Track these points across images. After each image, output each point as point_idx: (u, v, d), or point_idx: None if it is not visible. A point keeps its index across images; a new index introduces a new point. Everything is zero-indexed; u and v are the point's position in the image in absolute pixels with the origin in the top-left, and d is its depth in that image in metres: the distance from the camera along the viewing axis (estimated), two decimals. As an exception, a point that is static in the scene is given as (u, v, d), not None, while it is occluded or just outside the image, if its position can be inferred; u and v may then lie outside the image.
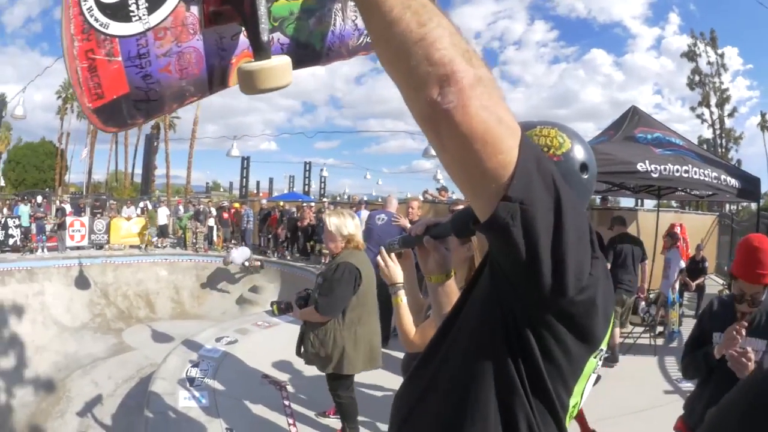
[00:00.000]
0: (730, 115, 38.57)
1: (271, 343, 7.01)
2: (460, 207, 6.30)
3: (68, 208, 15.77)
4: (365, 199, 19.92)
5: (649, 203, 12.34)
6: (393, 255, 2.27)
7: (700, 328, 2.79)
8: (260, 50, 1.27)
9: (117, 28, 1.25)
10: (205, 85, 1.47)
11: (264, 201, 22.04)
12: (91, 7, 1.23)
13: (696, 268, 9.46)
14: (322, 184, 36.28)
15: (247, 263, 14.93)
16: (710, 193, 8.80)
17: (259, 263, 15.09)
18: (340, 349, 3.95)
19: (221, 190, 48.61)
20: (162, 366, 5.75)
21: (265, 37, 1.31)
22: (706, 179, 7.39)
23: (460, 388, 0.98)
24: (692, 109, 40.16)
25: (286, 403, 5.00)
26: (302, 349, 4.11)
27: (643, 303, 7.77)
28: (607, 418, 4.54)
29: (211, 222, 17.52)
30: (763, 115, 38.63)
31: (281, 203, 18.44)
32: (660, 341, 7.40)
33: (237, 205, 19.84)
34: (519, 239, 0.79)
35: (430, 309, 2.59)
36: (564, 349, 0.92)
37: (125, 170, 45.28)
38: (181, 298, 15.24)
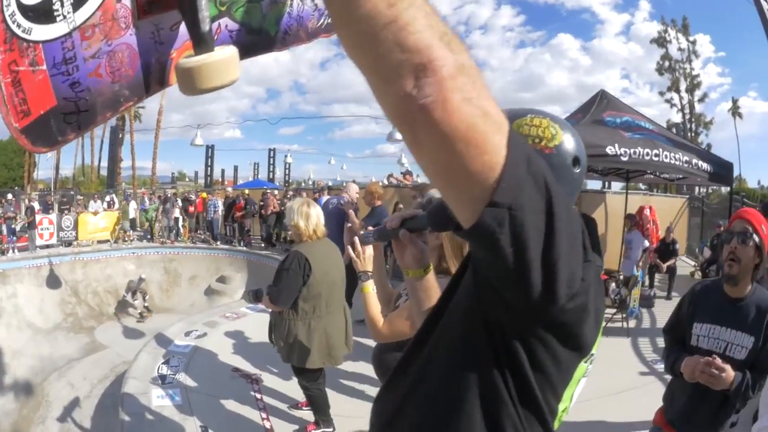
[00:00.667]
0: (701, 100, 39.57)
1: (240, 335, 6.95)
2: (428, 193, 6.27)
3: (36, 205, 15.32)
4: (329, 184, 19.99)
5: (617, 185, 12.46)
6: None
7: (678, 315, 2.65)
8: (201, 42, 1.15)
9: (40, 32, 1.14)
10: (142, 86, 1.33)
11: (230, 189, 21.70)
12: (13, 12, 1.11)
13: (667, 249, 9.64)
14: (287, 171, 35.89)
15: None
16: (680, 176, 8.93)
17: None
18: (295, 341, 3.89)
19: (186, 179, 47.89)
20: (133, 365, 5.65)
21: (205, 27, 1.17)
22: (677, 163, 7.49)
23: (442, 399, 0.93)
24: (661, 93, 41.05)
25: (258, 396, 4.94)
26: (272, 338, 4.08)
27: (613, 284, 7.83)
28: (584, 401, 4.52)
29: (177, 213, 17.21)
30: (734, 101, 39.54)
31: (245, 191, 18.12)
32: (633, 323, 7.48)
33: (204, 194, 19.52)
34: (506, 248, 0.71)
35: (398, 299, 2.54)
36: (554, 357, 0.87)
37: (92, 164, 44.49)
38: (150, 292, 14.96)
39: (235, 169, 40.13)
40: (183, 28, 1.28)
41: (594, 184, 15.48)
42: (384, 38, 0.61)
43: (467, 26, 60.70)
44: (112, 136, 37.43)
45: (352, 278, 3.44)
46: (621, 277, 8.25)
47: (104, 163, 41.23)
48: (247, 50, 1.39)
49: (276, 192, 17.95)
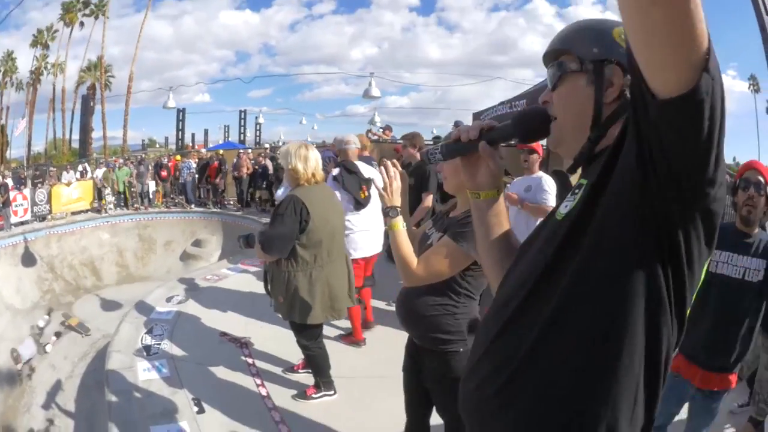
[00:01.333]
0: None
1: (223, 298, 6.68)
2: (410, 149, 5.98)
3: (10, 182, 14.64)
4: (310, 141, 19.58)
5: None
6: (397, 173, 2.07)
7: None
8: None
9: None
10: None
11: (203, 150, 21.36)
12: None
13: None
14: (258, 132, 35.15)
15: None
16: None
17: None
18: (295, 294, 3.59)
19: (157, 146, 46.85)
20: (115, 337, 5.32)
21: None
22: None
23: (604, 320, 0.88)
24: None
25: (250, 361, 4.70)
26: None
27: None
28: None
29: (150, 179, 16.81)
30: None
31: (220, 152, 17.68)
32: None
33: (178, 157, 18.99)
34: (705, 120, 0.72)
35: (426, 240, 2.32)
36: (699, 253, 0.86)
37: (63, 137, 43.39)
38: (125, 261, 14.68)
39: (206, 132, 39.31)
40: None
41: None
42: None
43: (441, -13, 59.63)
44: (83, 105, 36.96)
45: None
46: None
47: (75, 136, 40.64)
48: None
49: (250, 152, 17.58)
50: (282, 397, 4.05)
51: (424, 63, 61.02)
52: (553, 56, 1.15)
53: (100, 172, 17.08)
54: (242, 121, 33.82)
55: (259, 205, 15.12)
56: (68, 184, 15.59)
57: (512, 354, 0.98)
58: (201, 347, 5.05)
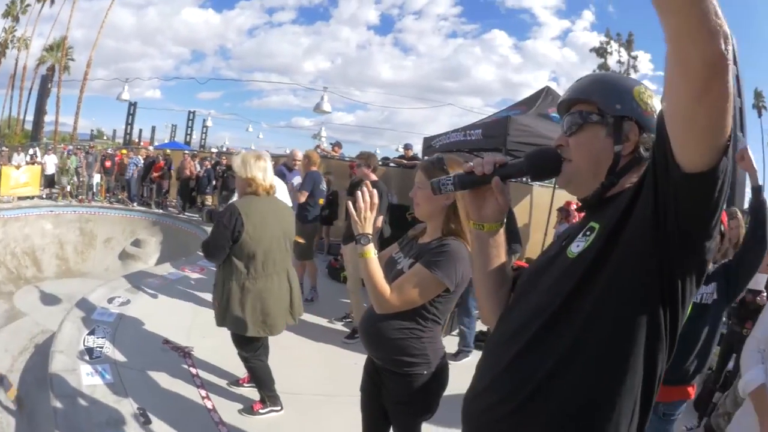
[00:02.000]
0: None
1: (165, 302, 6.59)
2: (364, 169, 6.03)
3: None
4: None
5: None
6: (370, 201, 1.99)
7: None
8: None
9: None
10: None
11: (150, 148, 20.89)
12: None
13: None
14: (204, 135, 35.04)
15: None
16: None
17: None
18: (228, 301, 3.59)
19: (105, 138, 45.40)
20: (58, 336, 5.18)
21: None
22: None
23: (614, 350, 1.06)
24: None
25: (193, 371, 4.68)
26: None
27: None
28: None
29: (96, 170, 16.36)
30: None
31: (167, 151, 17.48)
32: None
33: (124, 151, 18.51)
34: (716, 192, 0.89)
35: (394, 265, 2.32)
36: (691, 293, 1.04)
37: (18, 116, 41.41)
38: (66, 254, 14.06)
39: (153, 129, 39.02)
40: None
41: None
42: (707, 4, 0.75)
43: (401, 10, 60.44)
44: (41, 86, 36.01)
45: None
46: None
47: (30, 117, 39.08)
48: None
49: (195, 153, 17.40)
50: (228, 411, 4.02)
51: (376, 82, 61.89)
52: (571, 104, 1.27)
53: (49, 159, 16.50)
54: (190, 122, 33.50)
55: (202, 208, 14.84)
56: (18, 166, 14.95)
57: (527, 377, 1.13)
58: (143, 354, 4.97)
